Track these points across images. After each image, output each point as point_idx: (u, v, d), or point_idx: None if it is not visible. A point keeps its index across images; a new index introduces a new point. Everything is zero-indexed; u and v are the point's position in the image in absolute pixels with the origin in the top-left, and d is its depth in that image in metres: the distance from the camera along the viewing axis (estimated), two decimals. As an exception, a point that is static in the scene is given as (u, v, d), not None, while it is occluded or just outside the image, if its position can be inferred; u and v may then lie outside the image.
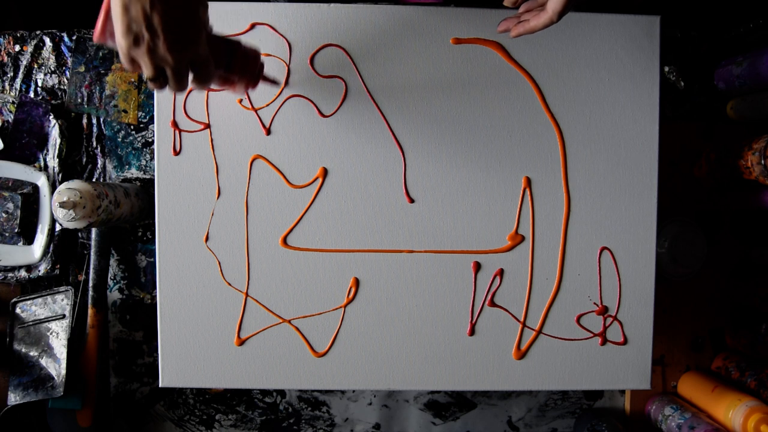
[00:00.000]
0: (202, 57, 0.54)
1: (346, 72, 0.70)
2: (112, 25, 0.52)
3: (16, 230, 0.82)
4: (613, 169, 0.70)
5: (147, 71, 0.52)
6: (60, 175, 0.85)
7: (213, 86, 0.63)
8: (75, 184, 0.70)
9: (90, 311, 0.83)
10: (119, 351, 0.89)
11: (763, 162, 0.73)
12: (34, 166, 0.84)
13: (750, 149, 0.76)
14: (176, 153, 0.69)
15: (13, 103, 0.85)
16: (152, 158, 0.86)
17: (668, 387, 0.91)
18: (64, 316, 0.81)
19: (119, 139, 0.86)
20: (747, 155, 0.76)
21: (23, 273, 0.86)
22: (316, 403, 0.92)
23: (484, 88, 0.70)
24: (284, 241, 0.70)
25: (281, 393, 0.91)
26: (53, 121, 0.84)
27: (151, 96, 0.86)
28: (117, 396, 0.90)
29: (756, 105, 0.84)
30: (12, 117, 0.85)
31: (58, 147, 0.84)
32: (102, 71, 0.86)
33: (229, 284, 0.70)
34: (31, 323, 0.82)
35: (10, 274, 0.86)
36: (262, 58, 0.64)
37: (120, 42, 0.51)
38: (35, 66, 0.86)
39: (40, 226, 0.84)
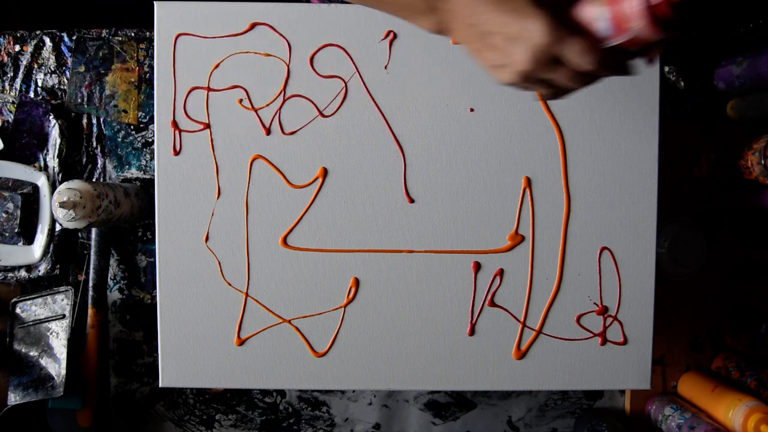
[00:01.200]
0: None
1: (346, 72, 0.70)
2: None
3: (16, 230, 0.82)
4: (613, 169, 0.70)
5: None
6: (60, 175, 0.85)
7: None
8: (75, 184, 0.70)
9: (90, 311, 0.83)
10: (119, 351, 0.89)
11: (763, 162, 0.73)
12: (34, 166, 0.84)
13: (750, 149, 0.76)
14: (176, 153, 0.69)
15: (13, 103, 0.85)
16: (152, 158, 0.86)
17: (668, 387, 0.91)
18: (64, 316, 0.81)
19: (119, 139, 0.86)
20: (747, 155, 0.76)
21: (23, 273, 0.86)
22: (316, 403, 0.91)
23: (484, 88, 0.70)
24: (284, 241, 0.70)
25: (281, 393, 0.91)
26: (53, 121, 0.84)
27: (151, 96, 0.86)
28: (117, 396, 0.90)
29: (756, 105, 0.84)
30: (12, 117, 0.85)
31: (58, 147, 0.84)
32: (102, 71, 0.86)
33: (229, 284, 0.70)
34: (31, 323, 0.82)
35: (10, 274, 0.86)
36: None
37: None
38: (35, 66, 0.86)
39: (40, 226, 0.84)
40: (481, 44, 0.44)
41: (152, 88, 0.85)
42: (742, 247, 0.90)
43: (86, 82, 0.86)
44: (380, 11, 0.47)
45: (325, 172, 0.70)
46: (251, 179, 0.70)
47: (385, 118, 0.70)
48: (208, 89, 0.69)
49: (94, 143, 0.86)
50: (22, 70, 0.86)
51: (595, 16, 0.43)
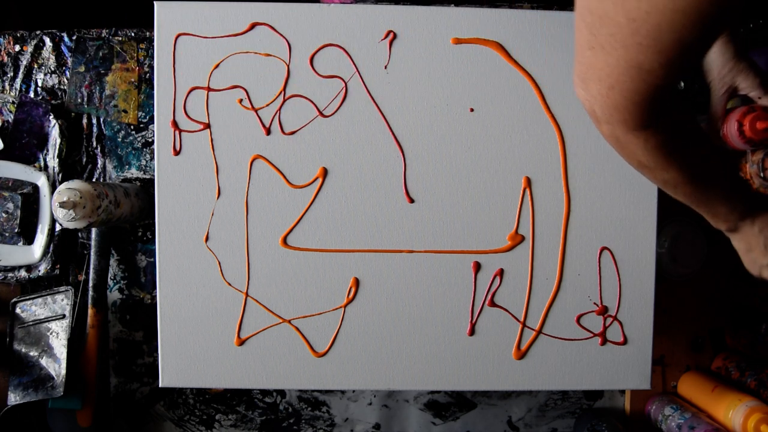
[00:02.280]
0: None
1: (346, 72, 0.70)
2: None
3: (16, 230, 0.82)
4: (613, 169, 0.70)
5: None
6: (60, 175, 0.85)
7: None
8: (75, 184, 0.70)
9: (90, 311, 0.83)
10: (119, 351, 0.89)
11: (762, 174, 0.73)
12: (34, 166, 0.84)
13: (747, 161, 0.75)
14: (176, 153, 0.69)
15: (13, 103, 0.85)
16: (152, 158, 0.86)
17: (668, 387, 0.91)
18: (64, 316, 0.81)
19: (119, 139, 0.86)
20: (745, 167, 0.76)
21: (23, 273, 0.86)
22: (316, 403, 0.91)
23: (484, 88, 0.70)
24: (284, 241, 0.70)
25: (281, 393, 0.91)
26: (53, 121, 0.84)
27: (151, 96, 0.86)
28: (117, 396, 0.90)
29: (756, 105, 0.84)
30: (12, 117, 0.85)
31: (58, 147, 0.84)
32: (102, 71, 0.86)
33: (229, 284, 0.70)
34: (31, 323, 0.82)
35: (10, 274, 0.86)
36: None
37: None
38: (35, 66, 0.86)
39: (40, 226, 0.84)
40: (760, 249, 0.60)
41: (152, 88, 0.85)
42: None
43: (86, 82, 0.86)
44: (679, 199, 0.58)
45: (325, 172, 0.70)
46: (251, 179, 0.70)
47: (385, 118, 0.70)
48: (208, 89, 0.69)
49: (94, 143, 0.86)
50: (22, 70, 0.86)
51: None
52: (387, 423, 0.92)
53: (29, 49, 0.86)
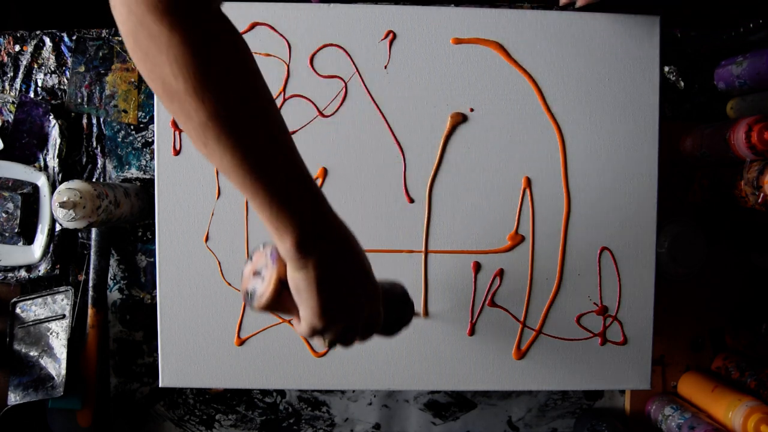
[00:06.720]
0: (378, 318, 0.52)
1: (346, 72, 0.70)
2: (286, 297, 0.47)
3: (16, 230, 0.82)
4: (613, 169, 0.70)
5: (329, 341, 0.50)
6: (60, 175, 0.85)
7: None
8: (75, 184, 0.70)
9: (90, 311, 0.83)
10: (119, 351, 0.89)
11: (756, 192, 0.72)
12: (34, 166, 0.84)
13: (742, 179, 0.74)
14: (176, 153, 0.69)
15: (13, 103, 0.85)
16: (152, 158, 0.86)
17: (668, 387, 0.91)
18: (64, 316, 0.81)
19: (119, 139, 0.86)
20: (740, 185, 0.75)
21: (23, 273, 0.86)
22: (316, 403, 0.91)
23: (484, 88, 0.70)
24: (284, 241, 0.70)
25: (281, 393, 0.91)
26: (53, 121, 0.84)
27: (151, 96, 0.86)
28: (117, 396, 0.90)
29: (756, 105, 0.84)
30: (12, 117, 0.85)
31: (58, 147, 0.84)
32: (102, 71, 0.86)
33: (229, 284, 0.70)
34: (31, 323, 0.82)
35: (10, 274, 0.86)
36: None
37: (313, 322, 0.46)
38: (35, 66, 0.86)
39: (40, 226, 0.84)
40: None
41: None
42: (742, 248, 0.90)
43: (86, 82, 0.86)
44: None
45: (325, 172, 0.70)
46: (251, 179, 0.70)
47: (385, 118, 0.70)
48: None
49: (94, 143, 0.86)
50: (22, 70, 0.86)
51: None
52: (387, 423, 0.92)
53: (29, 49, 0.86)
